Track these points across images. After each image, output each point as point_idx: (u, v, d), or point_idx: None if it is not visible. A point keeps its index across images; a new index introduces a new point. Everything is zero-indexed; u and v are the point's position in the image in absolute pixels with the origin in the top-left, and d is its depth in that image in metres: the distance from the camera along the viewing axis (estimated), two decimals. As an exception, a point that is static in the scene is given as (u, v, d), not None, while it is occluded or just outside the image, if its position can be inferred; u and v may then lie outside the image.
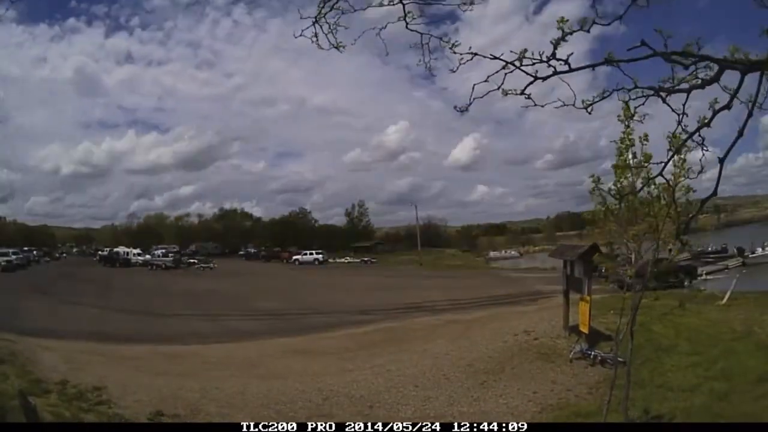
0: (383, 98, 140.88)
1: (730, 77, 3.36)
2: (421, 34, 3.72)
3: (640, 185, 4.54)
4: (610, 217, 5.07)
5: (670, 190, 4.25)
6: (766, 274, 26.31)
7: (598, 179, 4.89)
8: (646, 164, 4.50)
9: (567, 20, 3.38)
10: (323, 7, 3.78)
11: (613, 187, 4.85)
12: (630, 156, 4.53)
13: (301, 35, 3.92)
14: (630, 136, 4.39)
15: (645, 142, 4.38)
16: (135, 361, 11.89)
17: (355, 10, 3.78)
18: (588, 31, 3.41)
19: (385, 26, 3.84)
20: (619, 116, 4.09)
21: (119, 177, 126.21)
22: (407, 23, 3.69)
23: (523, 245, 74.72)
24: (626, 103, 3.73)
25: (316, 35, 3.89)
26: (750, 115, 3.28)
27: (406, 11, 3.67)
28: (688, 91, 3.48)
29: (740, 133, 3.38)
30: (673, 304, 14.68)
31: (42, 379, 9.11)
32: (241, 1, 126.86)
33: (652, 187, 4.52)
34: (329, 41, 3.89)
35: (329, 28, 3.85)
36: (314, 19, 3.84)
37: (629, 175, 4.71)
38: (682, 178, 4.24)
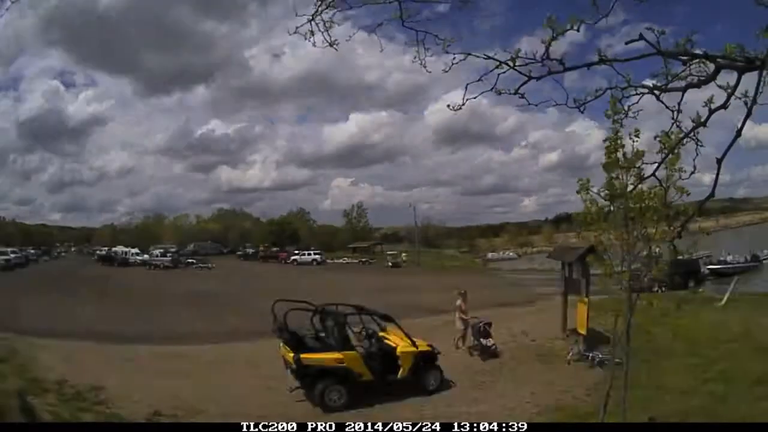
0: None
1: (728, 76, 3.35)
2: (416, 31, 3.72)
3: (632, 186, 4.49)
4: (601, 220, 5.02)
5: (662, 191, 4.23)
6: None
7: (587, 180, 4.86)
8: (637, 164, 4.45)
9: (555, 18, 3.36)
10: (320, 5, 3.79)
11: (600, 189, 4.84)
12: (621, 155, 4.48)
13: (296, 32, 3.92)
14: (620, 134, 4.38)
15: (636, 139, 4.33)
16: (133, 361, 11.86)
17: (351, 8, 3.78)
18: (578, 30, 3.40)
19: (381, 24, 3.85)
20: (606, 112, 4.05)
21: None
22: (403, 21, 3.69)
23: (521, 246, 74.70)
24: (618, 100, 3.72)
25: (311, 32, 3.89)
26: (748, 114, 3.26)
27: (402, 8, 3.68)
28: (684, 90, 3.47)
29: (738, 134, 3.36)
30: (671, 306, 14.69)
31: (40, 379, 9.09)
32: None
33: (645, 188, 4.49)
34: (324, 39, 3.89)
35: (324, 25, 3.85)
36: (310, 17, 3.84)
37: (619, 175, 4.67)
38: (676, 176, 4.21)
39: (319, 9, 3.81)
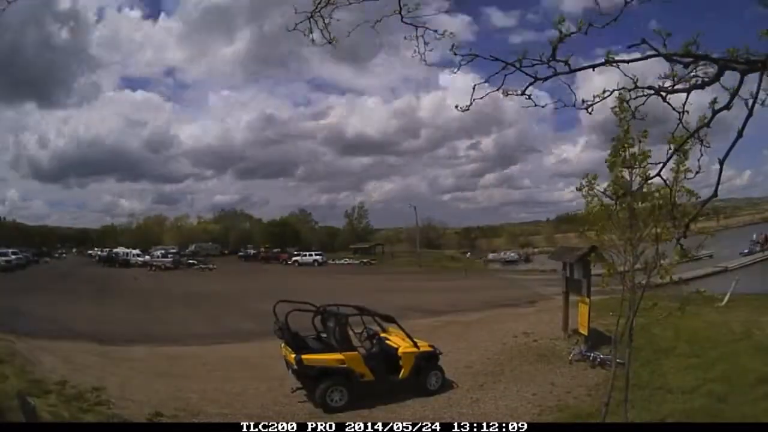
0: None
1: (731, 78, 3.35)
2: (416, 26, 3.71)
3: (638, 185, 4.48)
4: (604, 218, 4.99)
5: (668, 191, 4.21)
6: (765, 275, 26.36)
7: (594, 177, 4.83)
8: (643, 163, 4.43)
9: (564, 19, 3.37)
10: (319, 2, 3.78)
11: (605, 187, 4.81)
12: (627, 155, 4.45)
13: (294, 29, 3.91)
14: (628, 135, 4.34)
15: (643, 139, 4.32)
16: (134, 362, 11.85)
17: (350, 3, 3.77)
18: (585, 33, 3.40)
19: (381, 20, 3.84)
20: (614, 108, 4.05)
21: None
22: (402, 16, 3.68)
23: (522, 247, 74.51)
24: (626, 102, 3.72)
25: (311, 30, 3.88)
26: (750, 115, 3.26)
27: (402, 4, 3.67)
28: (688, 91, 3.47)
29: (740, 134, 3.36)
30: (673, 306, 14.64)
31: (41, 380, 9.09)
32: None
33: (651, 187, 4.47)
34: (324, 36, 3.89)
35: (324, 22, 3.84)
36: (310, 14, 3.83)
37: (625, 173, 4.65)
38: (682, 176, 4.18)
39: (318, 6, 3.81)
